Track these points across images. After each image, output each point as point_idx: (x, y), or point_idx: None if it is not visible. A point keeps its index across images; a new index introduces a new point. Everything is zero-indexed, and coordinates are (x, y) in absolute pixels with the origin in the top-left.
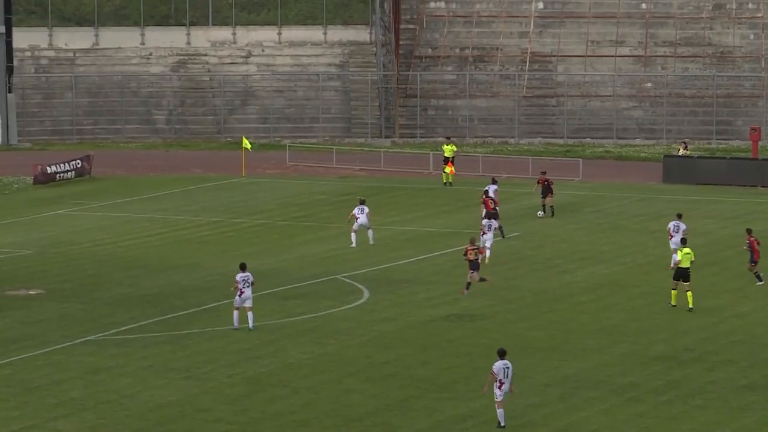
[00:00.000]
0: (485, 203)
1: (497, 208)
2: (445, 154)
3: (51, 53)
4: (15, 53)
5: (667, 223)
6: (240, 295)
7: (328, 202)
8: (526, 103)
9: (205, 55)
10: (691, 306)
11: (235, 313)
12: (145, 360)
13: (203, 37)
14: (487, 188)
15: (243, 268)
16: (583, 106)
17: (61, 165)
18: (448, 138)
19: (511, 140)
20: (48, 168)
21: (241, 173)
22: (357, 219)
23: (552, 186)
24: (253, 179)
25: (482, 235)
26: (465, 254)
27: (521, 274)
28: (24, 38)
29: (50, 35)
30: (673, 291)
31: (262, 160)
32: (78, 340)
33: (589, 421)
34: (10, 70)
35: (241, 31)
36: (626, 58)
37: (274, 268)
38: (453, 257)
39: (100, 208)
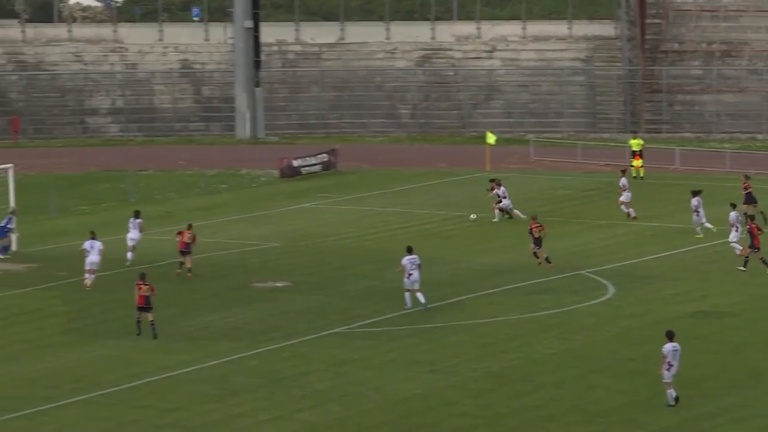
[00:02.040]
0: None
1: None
2: (633, 148)
3: (297, 48)
4: (262, 48)
5: None
6: (408, 278)
7: (573, 197)
8: None
9: (450, 49)
10: None
11: (407, 294)
12: (390, 353)
13: (447, 32)
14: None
15: (410, 250)
16: None
17: (307, 159)
18: (635, 132)
19: (759, 136)
20: (294, 161)
21: (485, 168)
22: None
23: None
24: (498, 174)
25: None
26: (530, 231)
27: None
28: (271, 33)
29: (297, 30)
30: None
31: (506, 155)
32: (324, 333)
33: None
34: (257, 65)
35: (485, 26)
36: None
37: (518, 263)
38: (700, 254)
39: (345, 201)
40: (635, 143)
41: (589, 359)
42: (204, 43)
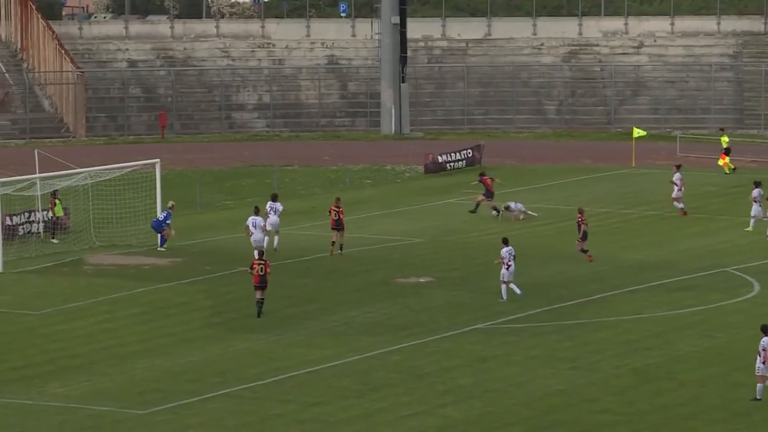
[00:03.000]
0: None
1: None
2: (724, 145)
3: (444, 43)
4: (409, 43)
5: None
6: (507, 269)
7: (719, 194)
8: None
9: (597, 45)
10: None
11: (503, 286)
12: (533, 349)
13: (595, 28)
14: None
15: (506, 242)
16: None
17: (452, 154)
18: (722, 129)
19: None
20: (439, 157)
21: (631, 164)
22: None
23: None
24: (644, 170)
25: None
26: (578, 225)
27: None
28: (418, 29)
29: (443, 26)
30: None
31: (652, 151)
32: (466, 328)
33: None
34: (404, 61)
35: (633, 21)
36: None
37: (662, 260)
38: None
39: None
40: (724, 140)
41: (732, 357)
42: (351, 38)
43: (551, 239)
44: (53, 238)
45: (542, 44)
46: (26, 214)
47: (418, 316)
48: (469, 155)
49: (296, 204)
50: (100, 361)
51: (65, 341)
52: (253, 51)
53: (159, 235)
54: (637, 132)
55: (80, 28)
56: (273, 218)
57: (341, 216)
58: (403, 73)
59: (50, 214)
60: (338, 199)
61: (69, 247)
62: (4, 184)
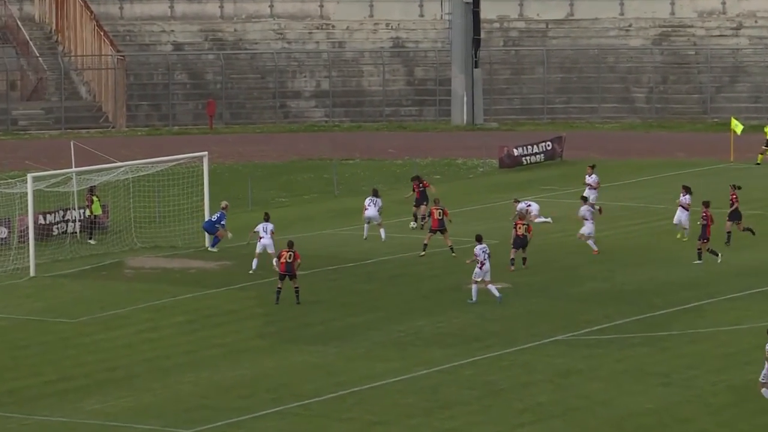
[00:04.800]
0: None
1: None
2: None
3: (521, 24)
4: (482, 24)
5: None
6: (480, 268)
7: None
8: None
9: (691, 26)
10: None
11: (474, 287)
12: (620, 363)
13: (689, 7)
14: None
15: (480, 239)
16: None
17: (530, 147)
18: None
19: None
20: (515, 150)
21: (729, 158)
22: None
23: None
24: (743, 165)
25: None
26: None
27: None
28: (492, 8)
29: (521, 5)
30: None
31: (753, 143)
32: (547, 340)
33: None
34: (477, 43)
35: (731, 0)
36: None
37: (765, 265)
38: None
39: (571, 194)
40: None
41: None
42: (418, 19)
43: (641, 241)
44: (90, 238)
45: (630, 25)
46: (61, 213)
47: (493, 326)
48: (549, 148)
49: (358, 202)
50: (141, 374)
51: (103, 352)
52: (310, 33)
53: (211, 235)
54: (735, 124)
55: (121, 8)
56: (372, 211)
57: (446, 216)
58: (476, 57)
59: (87, 212)
60: (438, 200)
61: (108, 248)
62: (37, 179)
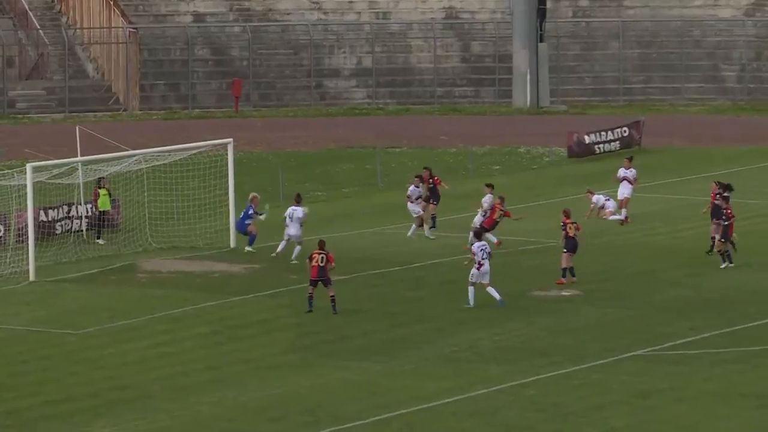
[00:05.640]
0: None
1: None
2: None
3: None
4: None
5: None
6: (479, 269)
7: None
8: None
9: None
10: None
11: (471, 289)
12: (708, 383)
13: None
14: None
15: (479, 236)
16: None
17: (603, 134)
18: None
19: None
20: (586, 137)
21: None
22: None
23: None
24: None
25: None
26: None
27: None
28: None
29: None
30: None
31: None
32: (623, 355)
33: None
34: (542, 14)
35: None
36: None
37: None
38: None
39: (651, 188)
40: None
41: None
42: None
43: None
44: (98, 238)
45: None
46: (65, 208)
47: (561, 340)
48: (625, 134)
49: (403, 196)
50: (157, 394)
51: (113, 369)
52: (350, 2)
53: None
54: None
55: None
56: (414, 207)
57: (507, 216)
58: (541, 30)
59: (94, 207)
60: (503, 198)
61: (118, 249)
62: (37, 169)
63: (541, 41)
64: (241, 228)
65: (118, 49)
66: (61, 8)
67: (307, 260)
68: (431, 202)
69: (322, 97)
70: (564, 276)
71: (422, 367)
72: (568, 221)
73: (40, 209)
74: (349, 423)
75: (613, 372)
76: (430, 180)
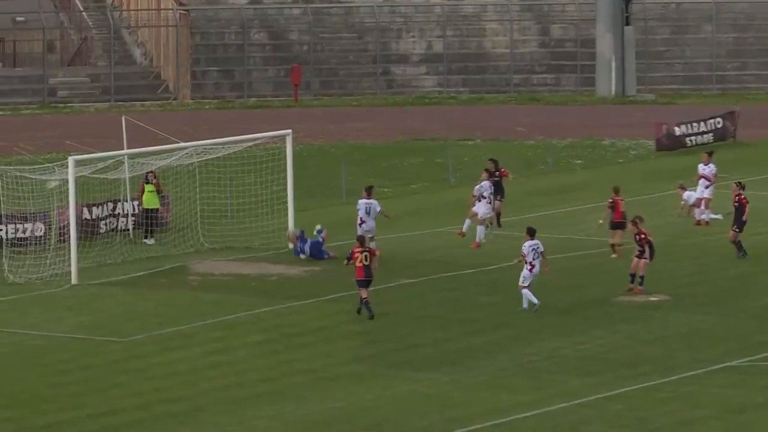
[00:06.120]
0: None
1: None
2: None
3: None
4: None
5: None
6: (530, 270)
7: None
8: None
9: None
10: None
11: (525, 292)
12: None
13: None
14: None
15: (532, 234)
16: None
17: (694, 125)
18: None
19: None
20: (676, 129)
21: None
22: None
23: None
24: None
25: None
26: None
27: None
28: None
29: None
30: None
31: None
32: (716, 366)
33: None
34: None
35: None
36: None
37: None
38: None
39: (748, 184)
40: None
41: None
42: None
43: None
44: (146, 237)
45: None
46: (110, 205)
47: (648, 349)
48: (719, 126)
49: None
50: (208, 406)
51: (162, 379)
52: None
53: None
54: None
55: None
56: (483, 207)
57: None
58: (627, 12)
59: (139, 204)
60: (618, 189)
61: (168, 249)
62: (80, 163)
63: (627, 24)
64: (318, 255)
65: (168, 33)
66: None
67: (346, 261)
68: (497, 198)
69: (389, 85)
70: (641, 284)
71: (497, 378)
72: (644, 232)
73: (83, 206)
74: None
75: (704, 384)
76: (496, 172)
